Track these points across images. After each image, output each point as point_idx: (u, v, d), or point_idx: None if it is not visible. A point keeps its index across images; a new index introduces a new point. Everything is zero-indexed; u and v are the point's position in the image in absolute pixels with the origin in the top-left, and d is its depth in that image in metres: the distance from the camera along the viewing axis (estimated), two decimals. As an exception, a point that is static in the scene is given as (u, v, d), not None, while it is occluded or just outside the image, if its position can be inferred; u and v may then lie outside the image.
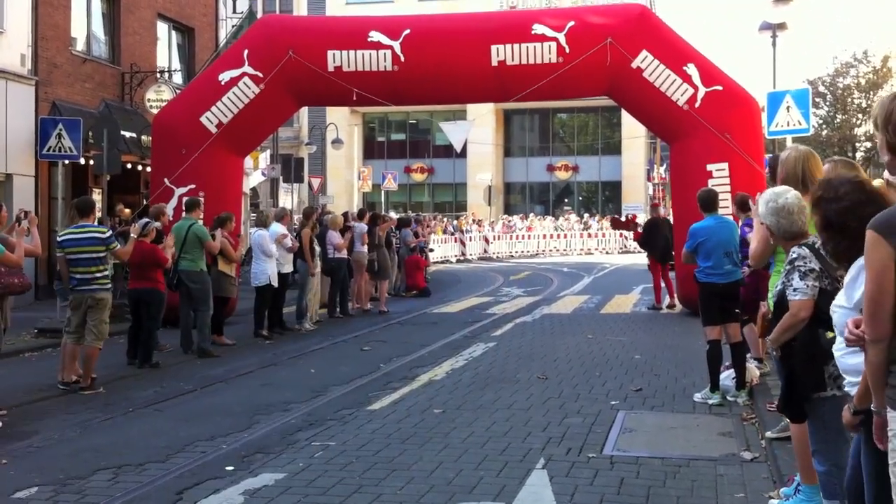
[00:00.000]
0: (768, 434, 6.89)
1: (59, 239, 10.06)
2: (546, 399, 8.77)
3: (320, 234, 15.89)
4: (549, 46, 15.16)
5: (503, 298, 19.77)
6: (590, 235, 39.88)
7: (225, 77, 15.38)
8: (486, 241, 37.17)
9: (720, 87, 14.87)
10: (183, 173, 15.01)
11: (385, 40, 15.42)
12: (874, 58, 46.79)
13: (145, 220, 11.82)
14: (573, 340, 12.84)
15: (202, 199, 13.54)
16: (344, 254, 16.33)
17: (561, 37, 15.12)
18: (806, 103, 14.97)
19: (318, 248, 15.37)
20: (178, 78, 23.35)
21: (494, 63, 15.28)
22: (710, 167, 14.60)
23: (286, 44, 15.46)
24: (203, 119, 15.24)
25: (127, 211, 20.41)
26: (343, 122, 42.48)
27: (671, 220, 16.67)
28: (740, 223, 9.26)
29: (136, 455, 6.89)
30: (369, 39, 15.44)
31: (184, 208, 13.02)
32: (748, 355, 9.13)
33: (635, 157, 48.04)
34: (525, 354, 11.68)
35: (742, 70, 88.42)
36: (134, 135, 19.99)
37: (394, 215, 22.93)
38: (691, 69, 14.87)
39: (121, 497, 5.88)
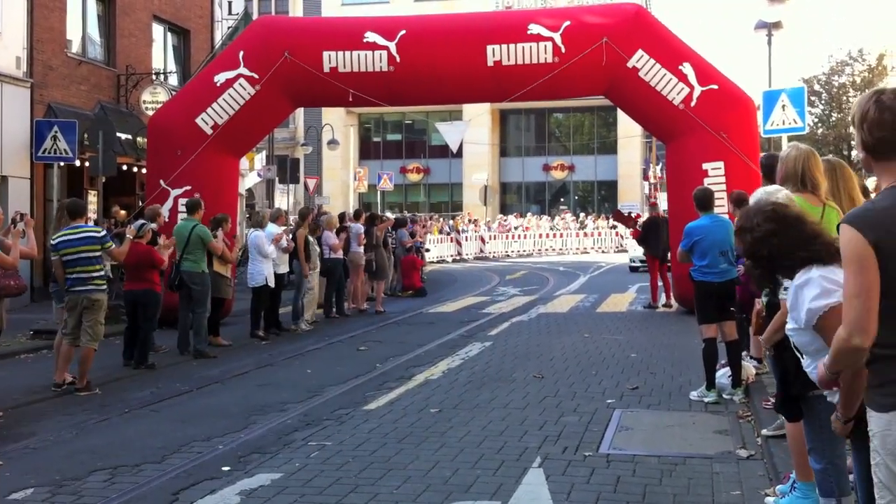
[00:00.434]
0: (764, 431, 6.91)
1: (52, 242, 9.97)
2: (542, 398, 8.78)
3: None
4: (545, 46, 15.16)
5: (499, 298, 19.78)
6: (586, 235, 39.93)
7: (220, 78, 15.36)
8: (482, 240, 37.20)
9: (716, 87, 14.88)
10: (179, 175, 14.99)
11: (381, 41, 15.41)
12: (869, 56, 46.84)
13: (141, 221, 11.82)
14: (569, 339, 12.85)
15: (202, 201, 13.51)
16: (340, 254, 16.34)
17: (557, 36, 15.12)
18: (801, 102, 14.99)
19: (317, 249, 15.39)
20: (173, 80, 23.33)
21: (490, 63, 15.28)
22: (706, 166, 14.61)
23: (282, 45, 15.45)
24: (199, 121, 15.21)
25: (123, 213, 20.40)
26: (339, 122, 42.48)
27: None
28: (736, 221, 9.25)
29: (132, 456, 6.88)
30: (365, 40, 15.42)
31: (185, 210, 12.99)
32: (749, 355, 9.15)
33: (631, 156, 48.09)
34: (521, 353, 11.69)
35: (738, 69, 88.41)
36: (129, 137, 19.97)
37: (390, 215, 22.93)
38: (687, 68, 14.88)
39: (117, 498, 5.88)
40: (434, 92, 16.59)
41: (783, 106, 14.61)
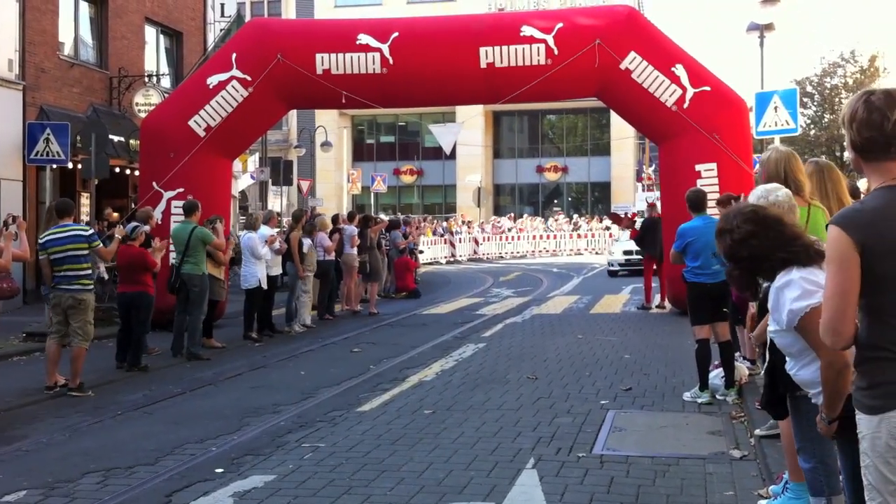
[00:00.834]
0: (757, 432, 6.92)
1: (41, 241, 9.91)
2: (536, 399, 8.79)
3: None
4: (538, 48, 15.18)
5: (493, 299, 19.80)
6: (579, 236, 39.95)
7: (213, 81, 15.35)
8: (476, 242, 37.21)
9: (708, 88, 14.92)
10: (172, 177, 14.97)
11: (374, 43, 15.41)
12: (861, 58, 46.93)
13: (133, 223, 11.80)
14: (563, 341, 12.86)
15: (199, 203, 13.47)
16: (332, 256, 16.34)
17: (549, 38, 15.14)
18: (794, 103, 15.04)
19: (315, 251, 15.37)
20: (166, 82, 23.29)
21: (483, 65, 15.30)
22: (698, 167, 14.65)
23: (274, 47, 15.44)
24: (191, 123, 15.20)
25: (115, 215, 20.35)
26: (332, 124, 42.47)
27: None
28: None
29: (125, 458, 6.87)
30: (358, 42, 15.43)
31: (182, 212, 12.96)
32: (742, 356, 9.17)
33: (625, 157, 48.14)
34: (515, 355, 11.70)
35: (730, 71, 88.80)
36: (122, 139, 19.93)
37: (384, 217, 22.93)
38: (679, 70, 14.92)
39: (110, 500, 5.87)
40: (427, 94, 16.61)
41: (775, 107, 14.65)
